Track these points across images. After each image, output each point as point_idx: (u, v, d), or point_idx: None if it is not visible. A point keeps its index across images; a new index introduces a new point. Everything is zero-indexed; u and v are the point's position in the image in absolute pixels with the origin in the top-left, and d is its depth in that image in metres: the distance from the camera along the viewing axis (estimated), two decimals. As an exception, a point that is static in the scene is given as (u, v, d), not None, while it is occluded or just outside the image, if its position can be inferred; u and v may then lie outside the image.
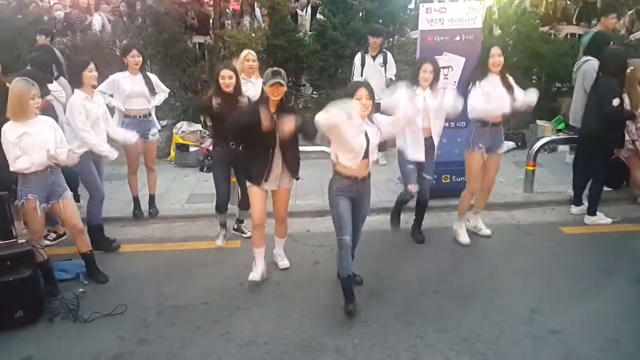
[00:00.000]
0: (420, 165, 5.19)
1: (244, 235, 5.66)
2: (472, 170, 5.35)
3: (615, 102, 5.40)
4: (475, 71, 5.29)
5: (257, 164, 4.52)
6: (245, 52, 6.13)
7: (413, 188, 5.21)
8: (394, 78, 7.54)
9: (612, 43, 6.27)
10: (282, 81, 4.33)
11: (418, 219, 5.60)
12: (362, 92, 4.03)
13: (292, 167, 4.61)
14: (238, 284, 4.81)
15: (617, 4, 9.87)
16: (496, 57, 5.12)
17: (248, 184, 4.68)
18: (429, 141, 5.14)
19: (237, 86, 5.13)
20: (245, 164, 4.69)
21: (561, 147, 7.89)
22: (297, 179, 4.73)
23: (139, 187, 6.20)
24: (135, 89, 5.75)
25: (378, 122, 4.22)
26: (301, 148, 7.22)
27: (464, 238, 5.48)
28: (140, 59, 5.79)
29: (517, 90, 5.21)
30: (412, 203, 5.51)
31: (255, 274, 4.69)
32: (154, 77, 6.07)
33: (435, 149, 5.25)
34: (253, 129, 4.37)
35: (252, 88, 5.79)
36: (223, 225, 5.54)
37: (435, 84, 5.06)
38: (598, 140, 5.62)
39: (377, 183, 6.73)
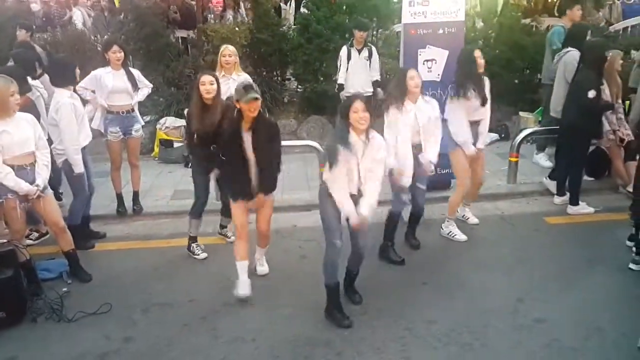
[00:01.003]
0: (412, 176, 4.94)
1: (227, 239, 5.50)
2: (459, 168, 5.35)
3: (591, 93, 5.45)
4: (464, 74, 5.16)
5: (239, 182, 4.37)
6: (222, 47, 6.01)
7: (406, 197, 5.02)
8: (379, 79, 7.54)
9: (589, 34, 6.32)
10: (258, 95, 4.14)
11: (412, 227, 5.35)
12: (357, 105, 3.83)
13: (267, 185, 4.43)
14: (225, 280, 4.78)
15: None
16: (479, 59, 5.13)
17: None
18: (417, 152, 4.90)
19: (217, 95, 4.86)
20: (227, 180, 4.60)
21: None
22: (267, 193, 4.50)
23: (123, 184, 6.14)
24: (118, 84, 5.68)
25: (374, 140, 3.95)
26: (286, 142, 7.22)
27: (461, 236, 5.45)
28: (122, 54, 5.71)
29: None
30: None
31: (244, 289, 4.42)
32: (136, 73, 5.99)
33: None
34: (233, 149, 4.27)
35: (233, 85, 5.70)
36: (194, 239, 5.28)
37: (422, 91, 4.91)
38: (576, 131, 5.69)
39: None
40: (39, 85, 5.59)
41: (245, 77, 5.70)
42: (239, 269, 4.49)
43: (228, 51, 5.85)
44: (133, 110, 5.89)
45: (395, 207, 5.05)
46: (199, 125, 4.78)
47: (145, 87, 6.04)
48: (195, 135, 4.87)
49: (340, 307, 4.16)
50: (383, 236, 5.05)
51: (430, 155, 4.87)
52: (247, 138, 4.24)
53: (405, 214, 5.28)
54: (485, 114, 5.30)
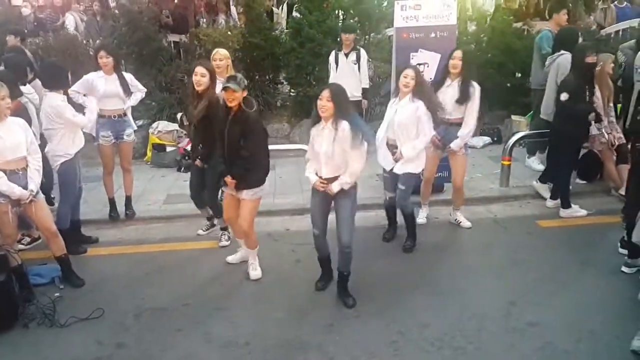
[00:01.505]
0: (394, 175, 5.11)
1: (220, 244, 5.50)
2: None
3: (563, 96, 5.52)
4: (441, 72, 5.43)
5: (219, 167, 4.61)
6: (214, 51, 5.97)
7: (388, 193, 5.29)
8: (367, 86, 7.53)
9: (579, 37, 6.38)
10: (232, 85, 4.22)
11: (407, 229, 5.37)
12: (324, 93, 4.11)
13: (237, 175, 4.51)
14: (218, 284, 4.78)
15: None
16: (456, 59, 5.23)
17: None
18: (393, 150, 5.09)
19: (211, 86, 5.03)
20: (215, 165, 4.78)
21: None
22: (239, 189, 4.59)
23: (115, 189, 6.12)
24: (110, 89, 5.66)
25: (343, 132, 4.09)
26: (280, 146, 7.23)
27: (421, 219, 5.80)
28: (110, 59, 5.65)
29: (471, 105, 5.31)
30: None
31: (256, 271, 4.85)
32: (129, 77, 5.96)
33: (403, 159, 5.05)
34: (219, 128, 4.50)
35: None
36: (208, 218, 5.74)
37: (419, 91, 4.90)
38: (561, 134, 5.75)
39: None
40: (28, 92, 5.56)
41: None
42: (250, 256, 4.91)
43: (219, 55, 5.79)
44: (125, 114, 5.87)
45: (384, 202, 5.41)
46: (191, 116, 5.04)
47: (139, 92, 6.02)
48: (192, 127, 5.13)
49: (328, 274, 4.62)
50: None
51: (404, 150, 4.97)
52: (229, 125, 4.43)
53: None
54: (466, 113, 5.34)
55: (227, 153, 4.48)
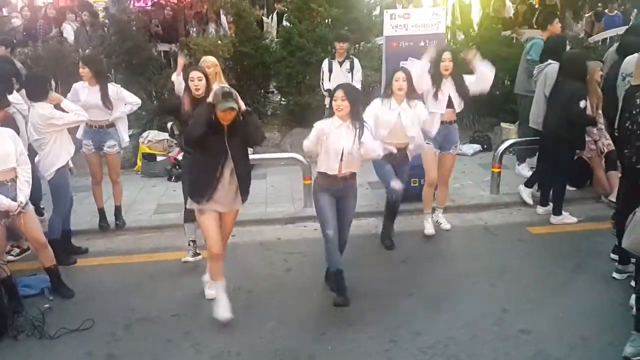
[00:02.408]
0: (394, 169, 5.14)
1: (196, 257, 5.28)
2: (428, 162, 5.56)
3: (582, 103, 5.52)
4: (433, 78, 5.40)
5: (203, 179, 4.16)
6: (202, 59, 5.86)
7: (396, 184, 5.01)
8: (359, 86, 7.56)
9: (567, 45, 6.42)
10: (234, 105, 3.90)
11: (387, 219, 5.54)
12: (338, 93, 4.25)
13: (244, 185, 4.26)
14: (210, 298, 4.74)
15: (575, 7, 10.18)
16: (447, 61, 5.31)
17: (190, 202, 4.30)
18: (401, 153, 5.15)
19: (208, 90, 4.78)
20: (190, 176, 4.40)
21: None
22: (244, 200, 4.34)
23: (105, 199, 6.07)
24: (89, 100, 5.57)
25: (363, 130, 4.27)
26: (271, 155, 7.21)
27: (429, 230, 5.73)
28: (86, 70, 5.58)
29: (470, 79, 5.41)
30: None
31: (225, 311, 4.27)
32: (116, 89, 5.78)
33: (410, 159, 5.28)
34: (205, 137, 4.03)
35: None
36: (194, 240, 5.26)
37: (412, 93, 5.05)
38: (563, 142, 5.72)
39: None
40: (17, 101, 5.52)
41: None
42: (217, 291, 4.34)
43: (207, 63, 5.69)
44: (107, 126, 5.75)
45: (390, 197, 5.36)
46: (185, 120, 4.74)
47: (129, 104, 5.86)
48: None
49: (342, 289, 4.42)
50: None
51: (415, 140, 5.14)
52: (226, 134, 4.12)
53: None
54: (477, 84, 5.43)
55: (235, 170, 4.13)
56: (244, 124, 4.08)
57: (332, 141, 4.26)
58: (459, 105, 5.46)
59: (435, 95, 5.37)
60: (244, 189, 4.24)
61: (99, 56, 7.55)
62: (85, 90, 5.61)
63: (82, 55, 6.62)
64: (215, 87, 5.47)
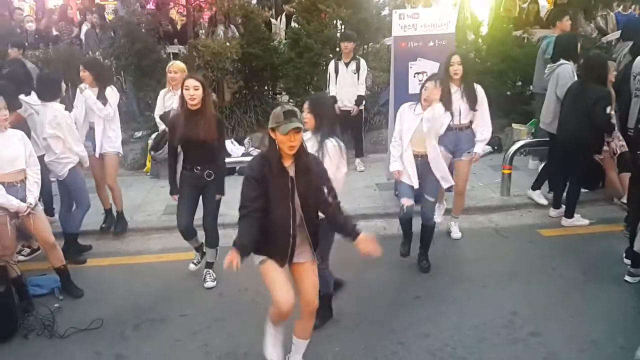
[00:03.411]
0: (420, 186, 4.90)
1: (206, 285, 4.89)
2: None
3: (609, 109, 5.42)
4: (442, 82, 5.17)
5: (277, 240, 3.35)
6: (170, 63, 5.97)
7: (406, 202, 4.86)
8: (363, 93, 7.51)
9: (579, 44, 6.35)
10: (300, 124, 3.17)
11: (423, 245, 5.12)
12: (304, 105, 3.94)
13: (315, 239, 3.47)
14: (216, 294, 4.75)
15: (588, 6, 10.06)
16: (455, 65, 5.16)
17: (258, 258, 3.41)
18: (422, 161, 4.84)
19: (206, 101, 4.48)
20: (262, 235, 3.31)
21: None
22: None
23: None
24: (88, 102, 5.58)
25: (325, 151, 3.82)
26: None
27: (456, 234, 5.75)
28: (87, 74, 5.56)
29: (482, 106, 5.30)
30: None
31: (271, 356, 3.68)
32: (111, 95, 5.64)
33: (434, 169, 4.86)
34: (279, 192, 3.25)
35: (176, 100, 5.60)
36: (197, 248, 5.08)
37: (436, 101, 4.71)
38: (583, 146, 5.61)
39: (354, 190, 6.75)
40: (34, 102, 5.57)
41: None
42: (270, 334, 3.69)
43: (174, 67, 5.80)
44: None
45: (399, 214, 5.04)
46: (183, 136, 4.47)
47: (106, 109, 5.62)
48: (177, 148, 4.66)
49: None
50: None
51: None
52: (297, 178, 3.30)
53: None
54: (479, 116, 5.34)
55: (304, 220, 3.36)
56: (313, 157, 3.39)
57: None
58: (466, 117, 5.30)
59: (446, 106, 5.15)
60: (315, 241, 3.47)
61: (100, 60, 7.56)
62: (88, 92, 5.59)
63: (83, 59, 6.63)
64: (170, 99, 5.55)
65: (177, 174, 4.80)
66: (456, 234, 5.78)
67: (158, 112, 6.01)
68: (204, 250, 5.02)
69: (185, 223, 4.76)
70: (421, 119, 4.73)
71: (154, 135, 5.99)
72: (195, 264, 5.16)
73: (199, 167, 4.62)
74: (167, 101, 5.85)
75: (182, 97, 4.48)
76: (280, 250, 3.35)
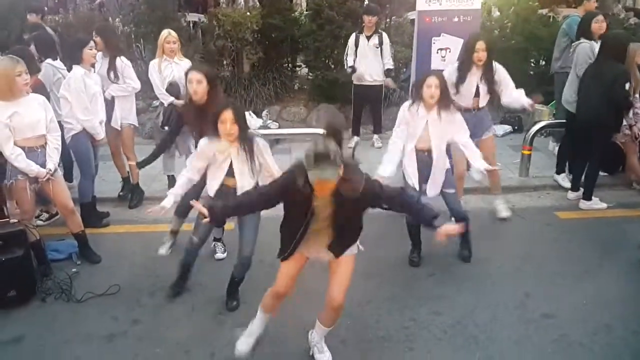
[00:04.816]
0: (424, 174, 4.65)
1: (216, 256, 4.98)
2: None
3: (627, 86, 5.36)
4: (462, 65, 5.15)
5: (285, 235, 3.42)
6: (165, 32, 5.86)
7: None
8: (392, 67, 7.43)
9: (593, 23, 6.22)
10: (333, 176, 2.81)
11: (464, 236, 4.85)
12: (226, 115, 3.64)
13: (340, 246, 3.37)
14: (232, 265, 4.77)
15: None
16: (480, 52, 5.03)
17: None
18: (428, 156, 4.56)
19: (212, 94, 4.30)
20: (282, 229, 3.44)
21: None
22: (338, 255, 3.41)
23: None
24: (101, 71, 5.59)
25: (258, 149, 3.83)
26: (297, 130, 7.04)
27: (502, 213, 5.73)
28: (98, 39, 5.51)
29: (506, 87, 5.22)
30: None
31: (248, 341, 3.67)
32: (122, 65, 5.66)
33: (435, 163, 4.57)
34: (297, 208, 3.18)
35: (176, 68, 5.68)
36: (174, 232, 4.95)
37: (444, 102, 4.43)
38: (601, 125, 5.56)
39: (372, 167, 6.70)
40: (60, 66, 5.60)
41: (186, 63, 5.69)
42: (256, 318, 3.68)
43: (172, 38, 5.75)
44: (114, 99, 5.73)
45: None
46: (196, 131, 4.37)
47: (126, 85, 5.71)
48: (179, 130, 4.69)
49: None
50: None
51: (479, 166, 4.60)
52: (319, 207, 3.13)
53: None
54: (507, 95, 5.30)
55: (335, 234, 3.28)
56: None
57: (219, 161, 3.83)
58: (484, 98, 5.20)
59: (458, 88, 5.09)
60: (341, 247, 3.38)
61: (113, 28, 7.52)
62: (99, 61, 5.61)
63: (97, 25, 6.58)
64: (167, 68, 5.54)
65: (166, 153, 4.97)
66: (504, 212, 5.68)
67: (157, 85, 5.75)
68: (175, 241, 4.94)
69: (187, 202, 4.64)
70: (426, 121, 4.45)
71: (160, 109, 5.90)
72: (165, 251, 4.90)
73: None
74: (164, 71, 5.73)
75: (187, 93, 4.41)
76: (286, 243, 3.40)
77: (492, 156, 5.43)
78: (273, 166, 3.94)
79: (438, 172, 4.57)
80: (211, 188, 4.01)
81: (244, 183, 3.89)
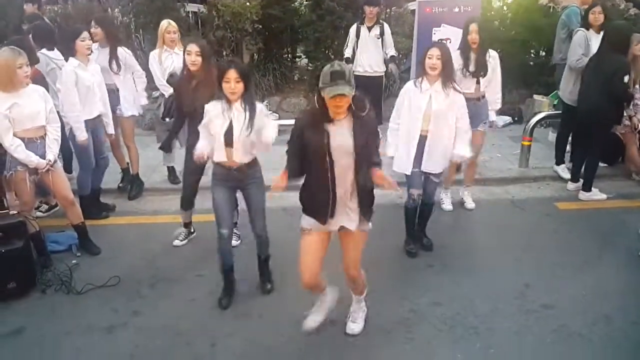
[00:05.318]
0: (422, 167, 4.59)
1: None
2: None
3: (626, 79, 5.35)
4: (462, 51, 5.17)
5: (319, 196, 3.32)
6: (165, 23, 5.86)
7: (416, 192, 4.66)
8: (395, 54, 7.40)
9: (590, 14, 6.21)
10: (346, 91, 2.99)
11: (421, 223, 4.94)
12: (230, 74, 3.69)
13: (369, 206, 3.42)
14: (237, 255, 4.78)
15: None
16: (473, 33, 5.05)
17: (304, 222, 3.43)
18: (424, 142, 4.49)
19: (204, 67, 4.46)
20: (305, 194, 3.44)
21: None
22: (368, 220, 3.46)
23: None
24: (100, 61, 5.51)
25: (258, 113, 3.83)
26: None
27: (448, 206, 5.73)
28: (98, 30, 5.49)
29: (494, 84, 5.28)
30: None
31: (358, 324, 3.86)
32: (125, 55, 5.69)
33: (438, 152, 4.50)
34: (315, 150, 3.22)
35: (176, 59, 5.64)
36: (186, 224, 5.08)
37: (447, 75, 4.33)
38: (601, 117, 5.55)
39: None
40: (57, 57, 5.56)
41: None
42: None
43: (173, 28, 5.78)
44: (116, 90, 5.68)
45: (408, 203, 4.79)
46: (189, 103, 4.40)
47: (139, 72, 5.80)
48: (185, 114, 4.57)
49: (229, 291, 4.24)
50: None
51: (460, 150, 4.47)
52: (334, 134, 3.19)
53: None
54: (491, 86, 5.30)
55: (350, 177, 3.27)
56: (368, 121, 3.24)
57: (218, 125, 3.81)
58: (484, 84, 5.23)
59: (464, 72, 5.10)
60: (369, 208, 3.43)
61: (112, 18, 7.48)
62: (96, 52, 5.53)
63: (95, 15, 6.53)
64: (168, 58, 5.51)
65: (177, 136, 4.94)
66: (470, 204, 5.75)
67: (158, 75, 5.78)
68: (192, 230, 5.11)
69: (189, 192, 4.83)
70: (430, 95, 4.37)
71: (159, 100, 5.88)
72: (180, 240, 5.06)
73: None
74: (164, 62, 5.74)
75: (184, 64, 4.50)
76: (320, 207, 3.32)
77: (478, 149, 5.45)
78: (273, 129, 3.86)
79: (434, 149, 4.45)
80: (217, 157, 3.94)
81: (238, 146, 3.83)
